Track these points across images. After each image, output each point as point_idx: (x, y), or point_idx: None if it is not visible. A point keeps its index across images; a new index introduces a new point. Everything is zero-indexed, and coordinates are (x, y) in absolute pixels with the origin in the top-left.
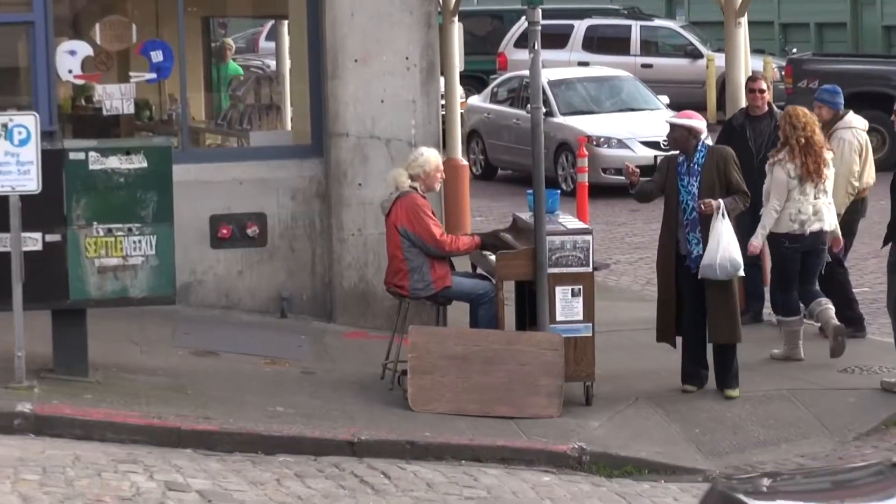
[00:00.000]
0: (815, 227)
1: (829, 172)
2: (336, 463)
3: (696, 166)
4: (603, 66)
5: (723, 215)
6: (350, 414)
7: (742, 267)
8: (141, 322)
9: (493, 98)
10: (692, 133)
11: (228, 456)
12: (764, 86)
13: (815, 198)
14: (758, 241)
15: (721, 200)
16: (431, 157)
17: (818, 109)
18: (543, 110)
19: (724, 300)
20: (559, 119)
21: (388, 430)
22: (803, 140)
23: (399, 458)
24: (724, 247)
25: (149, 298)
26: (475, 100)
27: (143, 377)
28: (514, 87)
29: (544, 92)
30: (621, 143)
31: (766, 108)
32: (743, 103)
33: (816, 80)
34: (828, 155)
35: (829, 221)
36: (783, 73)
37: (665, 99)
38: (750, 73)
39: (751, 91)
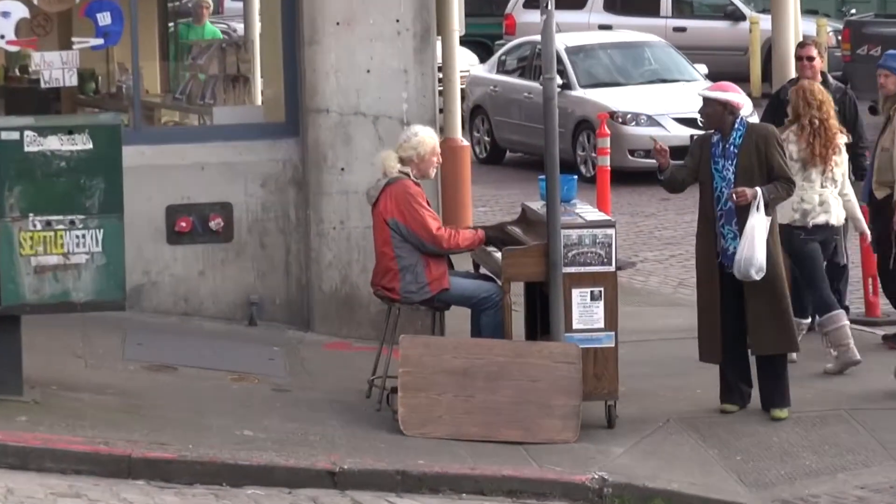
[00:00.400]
0: (821, 219)
1: (840, 160)
2: (314, 496)
3: (732, 147)
4: (628, 30)
5: (758, 207)
6: (330, 439)
7: (763, 269)
8: (85, 331)
9: (500, 68)
10: (728, 108)
11: (188, 489)
12: (815, 53)
13: (822, 186)
14: None
15: (759, 189)
16: (427, 137)
17: (883, 79)
18: (559, 82)
19: (768, 303)
20: (578, 92)
21: (374, 457)
22: (818, 122)
23: (388, 490)
24: (748, 243)
25: (94, 303)
26: (479, 70)
27: (88, 396)
28: (524, 54)
29: (560, 60)
30: (651, 121)
31: (819, 79)
32: (792, 73)
33: (878, 47)
34: (841, 140)
35: (837, 214)
36: (840, 37)
37: (703, 68)
38: (800, 39)
39: (800, 59)
